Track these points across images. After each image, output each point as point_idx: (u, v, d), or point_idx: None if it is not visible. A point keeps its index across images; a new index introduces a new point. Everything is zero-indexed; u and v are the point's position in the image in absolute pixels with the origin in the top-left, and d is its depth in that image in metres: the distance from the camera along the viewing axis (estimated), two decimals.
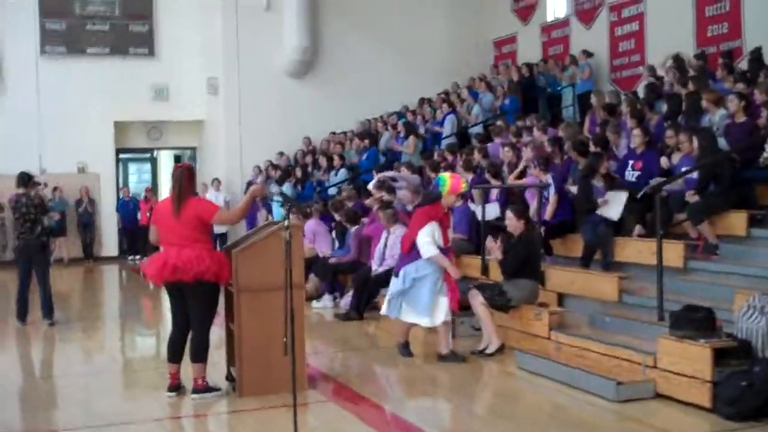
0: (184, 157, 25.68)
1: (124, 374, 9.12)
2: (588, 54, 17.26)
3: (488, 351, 8.63)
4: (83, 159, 21.77)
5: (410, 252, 8.47)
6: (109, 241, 22.29)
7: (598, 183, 9.76)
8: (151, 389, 7.72)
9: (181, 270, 6.94)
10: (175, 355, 7.32)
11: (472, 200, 11.81)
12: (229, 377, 7.62)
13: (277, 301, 6.34)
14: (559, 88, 17.34)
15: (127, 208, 22.08)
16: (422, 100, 19.36)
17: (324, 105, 21.11)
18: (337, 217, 13.21)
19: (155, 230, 7.30)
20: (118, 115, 21.78)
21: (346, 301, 12.00)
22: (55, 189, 20.73)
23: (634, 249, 9.16)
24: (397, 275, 8.62)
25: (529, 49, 20.28)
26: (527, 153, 11.66)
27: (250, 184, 20.17)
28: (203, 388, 7.25)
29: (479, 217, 11.16)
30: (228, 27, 21.24)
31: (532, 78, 17.89)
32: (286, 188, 17.62)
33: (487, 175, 11.69)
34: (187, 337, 7.28)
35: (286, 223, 5.85)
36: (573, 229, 10.14)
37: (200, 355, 7.23)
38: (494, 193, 11.58)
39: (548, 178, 10.65)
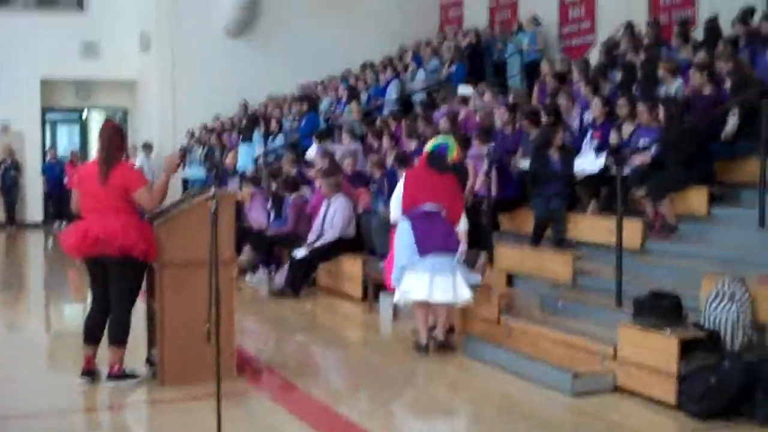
0: (113, 119, 24.72)
1: (38, 354, 8.26)
2: (537, 21, 16.71)
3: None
4: (6, 117, 20.70)
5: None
6: (33, 206, 21.28)
7: (553, 154, 9.20)
8: (65, 374, 6.93)
9: (104, 242, 6.21)
10: (92, 336, 6.55)
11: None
12: (150, 360, 6.90)
13: (205, 278, 5.65)
14: (506, 56, 16.72)
15: (53, 171, 21.06)
16: (365, 65, 18.64)
17: (262, 66, 20.17)
18: (273, 185, 12.48)
19: (77, 196, 6.54)
20: (44, 73, 20.73)
21: (282, 276, 11.31)
22: None
23: (588, 226, 8.64)
24: (451, 251, 7.39)
25: (476, 14, 19.62)
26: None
27: (184, 151, 19.33)
28: (119, 374, 6.54)
29: None
30: None
31: (479, 45, 17.28)
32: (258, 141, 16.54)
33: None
34: (107, 318, 6.54)
35: (211, 191, 5.17)
36: (522, 204, 9.58)
37: (118, 338, 6.50)
38: None
39: (484, 149, 10.11)
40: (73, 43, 20.79)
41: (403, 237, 7.42)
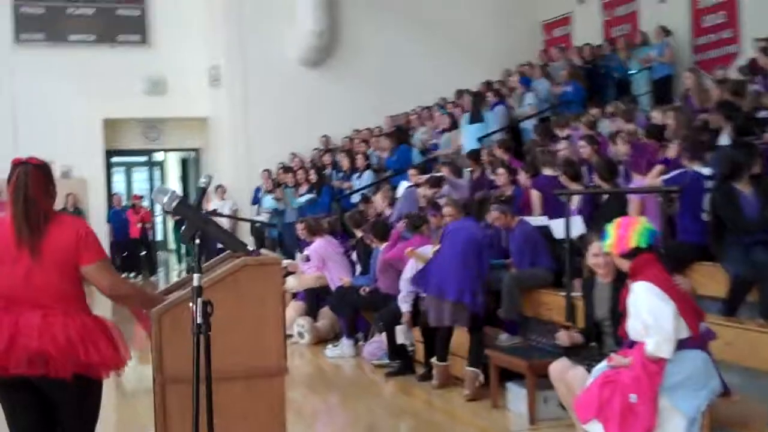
0: (189, 160, 22.77)
1: None
2: (666, 31, 14.14)
3: None
4: (67, 163, 18.77)
5: None
6: None
7: (743, 188, 6.52)
8: None
9: (50, 359, 3.69)
10: None
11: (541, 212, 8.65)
12: None
13: (243, 400, 3.30)
14: (633, 72, 14.11)
15: (119, 218, 19.10)
16: (460, 92, 16.18)
17: (344, 98, 17.79)
18: (358, 233, 10.01)
19: None
20: (107, 113, 18.76)
21: (371, 348, 8.83)
22: None
23: None
24: None
25: (587, 31, 16.97)
26: (621, 147, 8.49)
27: (258, 190, 17.18)
28: None
29: (556, 235, 7.99)
30: (231, 7, 17.97)
31: (595, 62, 14.74)
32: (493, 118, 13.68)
33: (563, 178, 8.47)
34: None
35: (195, 281, 2.77)
36: (703, 255, 6.90)
37: None
38: (574, 203, 8.35)
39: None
40: (138, 80, 18.82)
41: (700, 375, 4.90)
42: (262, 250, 4.69)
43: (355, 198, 13.59)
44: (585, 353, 5.70)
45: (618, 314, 5.31)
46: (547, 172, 8.96)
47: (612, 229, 5.13)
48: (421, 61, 18.05)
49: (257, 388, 3.84)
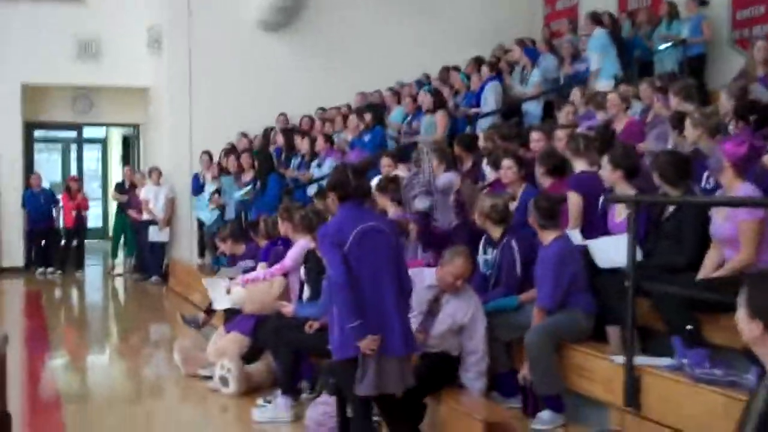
0: (131, 138, 19.83)
1: None
2: (701, 1, 11.64)
3: None
4: None
5: None
6: (12, 247, 16.33)
7: None
8: None
9: None
10: None
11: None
12: None
13: None
14: (661, 48, 11.50)
15: (36, 202, 16.13)
16: (447, 69, 13.51)
17: (310, 70, 15.09)
18: (305, 242, 7.18)
19: None
20: (28, 77, 16.00)
21: (317, 412, 5.99)
22: None
23: None
24: None
25: (598, 2, 14.32)
26: (692, 131, 5.76)
27: (197, 177, 14.40)
28: None
29: (601, 262, 5.31)
30: None
31: (615, 34, 12.12)
32: None
33: (615, 175, 5.73)
34: None
35: None
36: None
37: None
38: (622, 214, 5.59)
39: None
40: (66, 40, 16.00)
41: None
42: None
43: (313, 190, 10.85)
44: None
45: None
46: (581, 166, 6.24)
47: None
48: (401, 31, 15.45)
49: None
